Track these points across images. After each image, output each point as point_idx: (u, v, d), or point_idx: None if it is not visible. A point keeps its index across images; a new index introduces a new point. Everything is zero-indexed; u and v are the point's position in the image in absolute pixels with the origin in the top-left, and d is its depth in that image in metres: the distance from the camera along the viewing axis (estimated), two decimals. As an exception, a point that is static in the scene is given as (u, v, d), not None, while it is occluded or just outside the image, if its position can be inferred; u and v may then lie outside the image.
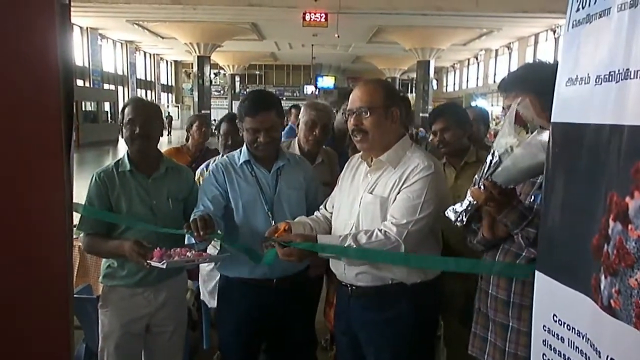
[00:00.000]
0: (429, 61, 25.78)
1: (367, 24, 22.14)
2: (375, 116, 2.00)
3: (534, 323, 1.41)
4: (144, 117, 2.32)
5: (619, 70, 1.05)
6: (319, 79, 36.51)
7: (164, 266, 1.99)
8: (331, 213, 2.24)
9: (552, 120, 1.33)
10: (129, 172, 2.34)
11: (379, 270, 2.02)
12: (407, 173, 1.99)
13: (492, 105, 28.90)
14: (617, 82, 1.06)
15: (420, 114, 23.03)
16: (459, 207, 1.73)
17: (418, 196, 1.94)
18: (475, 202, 1.67)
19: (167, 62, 40.26)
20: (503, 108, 1.80)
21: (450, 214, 1.74)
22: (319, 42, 25.43)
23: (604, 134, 1.10)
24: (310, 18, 18.05)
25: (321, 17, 17.96)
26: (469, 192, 1.68)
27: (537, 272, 1.40)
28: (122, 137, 2.37)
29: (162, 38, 26.94)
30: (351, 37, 24.40)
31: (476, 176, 1.70)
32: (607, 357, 1.09)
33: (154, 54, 36.15)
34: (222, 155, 3.03)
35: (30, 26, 1.55)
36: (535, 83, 1.65)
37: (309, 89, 36.84)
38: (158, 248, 2.07)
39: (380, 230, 1.91)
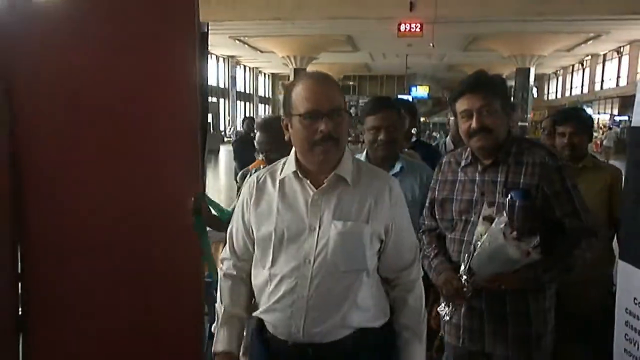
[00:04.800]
0: (528, 68, 24.92)
1: (463, 33, 21.86)
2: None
3: (617, 307, 1.60)
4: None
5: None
6: (413, 88, 36.35)
7: None
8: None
9: (632, 124, 1.53)
10: None
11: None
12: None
13: (598, 113, 27.34)
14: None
15: (519, 123, 22.28)
16: (444, 310, 1.81)
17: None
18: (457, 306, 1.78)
19: (265, 74, 42.02)
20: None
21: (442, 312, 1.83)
22: (413, 52, 25.42)
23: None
24: (406, 28, 18.14)
25: (416, 27, 17.99)
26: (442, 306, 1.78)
27: (620, 261, 1.60)
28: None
29: (261, 52, 28.26)
30: (446, 46, 24.18)
31: (462, 268, 1.74)
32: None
33: (253, 68, 37.91)
34: None
35: (175, 51, 2.00)
36: (502, 89, 1.83)
37: (403, 98, 36.75)
38: None
39: None
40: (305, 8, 17.81)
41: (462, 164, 1.86)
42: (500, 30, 21.00)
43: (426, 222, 2.00)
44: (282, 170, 1.46)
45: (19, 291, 2.17)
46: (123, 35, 1.97)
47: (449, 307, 1.78)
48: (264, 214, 1.44)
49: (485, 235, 1.62)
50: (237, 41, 25.12)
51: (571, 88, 34.22)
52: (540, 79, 38.18)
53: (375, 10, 17.59)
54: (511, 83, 27.12)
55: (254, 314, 1.50)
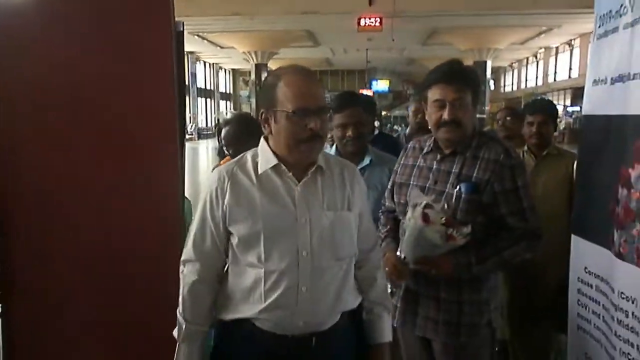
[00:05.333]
0: (485, 61, 25.51)
1: (422, 27, 22.20)
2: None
3: (570, 276, 1.76)
4: None
5: (624, 73, 1.40)
6: (374, 82, 36.69)
7: None
8: None
9: (583, 113, 1.68)
10: None
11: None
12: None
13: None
14: (623, 82, 1.41)
15: (477, 115, 22.80)
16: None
17: None
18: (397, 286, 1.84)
19: (225, 70, 41.63)
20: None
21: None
22: (374, 47, 25.66)
23: (616, 121, 1.45)
24: (365, 23, 18.30)
25: (376, 21, 18.18)
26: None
27: (573, 236, 1.75)
28: None
29: (221, 48, 27.99)
30: (406, 40, 24.50)
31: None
32: (619, 291, 1.44)
33: (213, 64, 37.51)
34: None
35: (152, 48, 2.04)
36: (475, 82, 1.81)
37: (364, 93, 37.09)
38: None
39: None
40: (265, 3, 17.74)
41: (424, 150, 1.89)
42: (458, 24, 21.42)
43: (386, 204, 2.03)
44: (255, 164, 1.43)
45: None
46: (100, 35, 2.00)
47: (391, 287, 1.80)
48: (245, 210, 1.39)
49: (411, 220, 1.66)
50: (196, 37, 24.79)
51: (526, 80, 35.18)
52: (497, 72, 39.11)
53: (335, 5, 17.66)
54: (469, 76, 27.52)
55: (241, 316, 1.43)
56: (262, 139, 1.46)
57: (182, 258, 1.50)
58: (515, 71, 37.79)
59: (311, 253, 1.38)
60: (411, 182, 1.89)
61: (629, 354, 1.43)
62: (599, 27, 1.60)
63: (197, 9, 17.70)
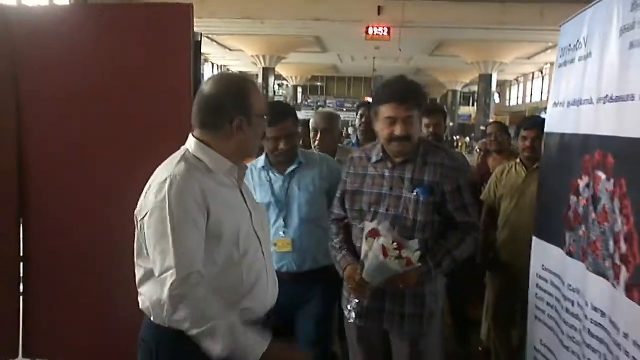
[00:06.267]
0: (491, 75, 25.72)
1: (430, 38, 22.42)
2: None
3: (531, 273, 2.00)
4: None
5: (577, 99, 1.64)
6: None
7: None
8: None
9: (545, 131, 1.92)
10: None
11: None
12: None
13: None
14: (577, 106, 1.65)
15: (482, 127, 23.01)
16: (351, 306, 1.98)
17: None
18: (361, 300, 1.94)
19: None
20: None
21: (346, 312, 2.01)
22: (381, 55, 25.88)
23: (568, 139, 1.70)
24: (374, 32, 18.47)
25: (384, 31, 18.37)
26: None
27: (534, 238, 1.99)
28: None
29: (230, 50, 28.27)
30: (413, 50, 24.72)
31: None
32: (568, 285, 1.68)
33: (221, 66, 37.88)
34: None
35: (174, 57, 2.29)
36: (423, 100, 1.98)
37: (370, 100, 37.27)
38: None
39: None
40: (275, 8, 17.97)
41: (374, 159, 2.02)
42: (465, 37, 21.62)
43: (335, 212, 2.14)
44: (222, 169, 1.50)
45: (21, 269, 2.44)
46: (128, 42, 2.26)
47: (353, 301, 1.95)
48: (229, 211, 1.46)
49: (370, 254, 1.78)
50: (206, 38, 25.07)
51: (531, 95, 35.43)
52: (502, 86, 39.33)
53: (344, 13, 17.85)
54: (474, 89, 27.83)
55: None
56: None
57: (183, 274, 1.35)
58: (521, 85, 38.02)
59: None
60: (365, 190, 2.02)
61: (574, 337, 1.67)
62: (561, 57, 1.85)
63: (208, 11, 17.95)
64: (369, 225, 1.86)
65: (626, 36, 1.44)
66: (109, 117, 2.29)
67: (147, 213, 1.39)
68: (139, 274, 1.47)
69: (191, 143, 1.51)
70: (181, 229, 1.36)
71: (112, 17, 2.31)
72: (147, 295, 1.44)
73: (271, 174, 2.35)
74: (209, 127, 1.48)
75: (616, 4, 1.52)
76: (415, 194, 1.90)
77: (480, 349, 3.74)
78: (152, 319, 1.44)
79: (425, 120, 3.27)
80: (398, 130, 1.88)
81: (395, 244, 1.76)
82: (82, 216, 2.34)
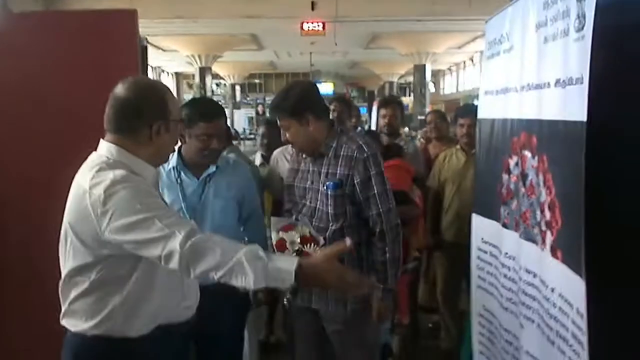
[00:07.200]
0: (424, 65, 26.42)
1: (364, 31, 22.81)
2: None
3: (472, 246, 2.21)
4: None
5: (504, 87, 1.85)
6: (318, 85, 37.00)
7: None
8: None
9: (478, 117, 2.13)
10: None
11: None
12: None
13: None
14: (504, 94, 1.86)
15: (419, 117, 23.66)
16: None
17: None
18: None
19: (168, 74, 41.09)
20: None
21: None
22: (317, 50, 26.10)
23: (501, 123, 1.91)
24: (309, 27, 18.64)
25: (319, 26, 18.59)
26: None
27: (473, 214, 2.20)
28: None
29: (164, 51, 27.68)
30: (348, 44, 25.05)
31: None
32: (504, 253, 1.89)
33: (155, 67, 36.96)
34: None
35: (119, 62, 2.35)
36: (292, 108, 2.06)
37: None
38: None
39: None
40: (208, 7, 17.76)
41: (304, 154, 2.17)
42: (398, 29, 22.13)
43: (286, 206, 2.30)
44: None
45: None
46: (75, 48, 2.29)
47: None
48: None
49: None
50: (138, 40, 24.42)
51: (464, 83, 36.65)
52: (437, 75, 40.45)
53: (278, 10, 17.86)
54: (410, 79, 28.49)
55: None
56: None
57: (175, 243, 1.32)
58: (454, 74, 39.27)
59: None
60: (295, 184, 2.19)
61: (511, 298, 1.90)
62: (488, 50, 2.08)
63: (139, 12, 17.53)
64: (280, 221, 2.06)
65: (540, 32, 1.65)
66: (51, 116, 2.32)
67: (109, 218, 1.34)
68: (76, 290, 1.46)
69: (110, 149, 1.46)
70: (154, 206, 1.37)
71: (59, 24, 2.35)
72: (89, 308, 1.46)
73: (183, 176, 2.19)
74: (125, 132, 1.46)
75: (531, 3, 1.73)
76: (324, 187, 2.04)
77: (430, 325, 3.98)
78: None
79: (381, 112, 3.45)
80: (284, 136, 2.12)
81: (298, 237, 1.95)
82: (16, 217, 2.37)
